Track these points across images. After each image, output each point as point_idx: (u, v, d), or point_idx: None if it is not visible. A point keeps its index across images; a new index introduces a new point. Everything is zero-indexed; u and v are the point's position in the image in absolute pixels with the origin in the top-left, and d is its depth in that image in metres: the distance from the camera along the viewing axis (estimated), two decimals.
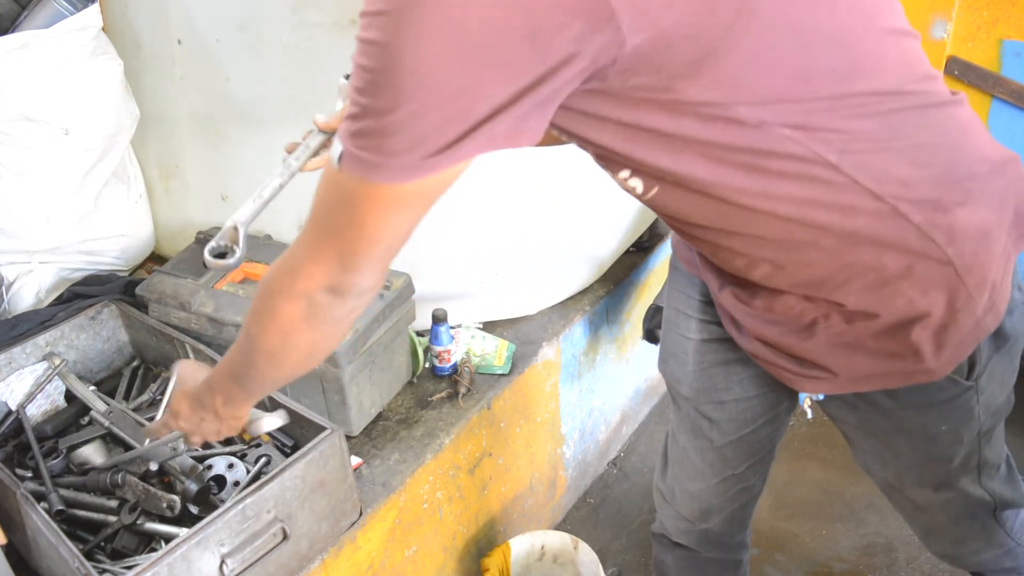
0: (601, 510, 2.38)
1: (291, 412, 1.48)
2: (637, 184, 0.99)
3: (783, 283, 1.07)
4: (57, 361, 1.68)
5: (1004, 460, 1.34)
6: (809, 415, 1.31)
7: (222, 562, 1.28)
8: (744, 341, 1.24)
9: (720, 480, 1.48)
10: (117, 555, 1.43)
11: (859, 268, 1.01)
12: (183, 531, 1.32)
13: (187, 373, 1.30)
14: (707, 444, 1.44)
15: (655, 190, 0.98)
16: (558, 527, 2.30)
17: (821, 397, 1.25)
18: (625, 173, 0.98)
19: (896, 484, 1.36)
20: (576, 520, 2.35)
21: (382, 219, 0.85)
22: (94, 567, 1.32)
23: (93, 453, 1.58)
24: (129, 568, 1.28)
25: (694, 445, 1.47)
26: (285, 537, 1.36)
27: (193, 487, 1.43)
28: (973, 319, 1.08)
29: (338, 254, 0.91)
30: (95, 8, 1.80)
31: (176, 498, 1.42)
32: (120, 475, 1.44)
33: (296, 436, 1.53)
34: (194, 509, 1.45)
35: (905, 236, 0.99)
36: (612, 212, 2.08)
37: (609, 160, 0.98)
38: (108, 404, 1.67)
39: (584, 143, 0.97)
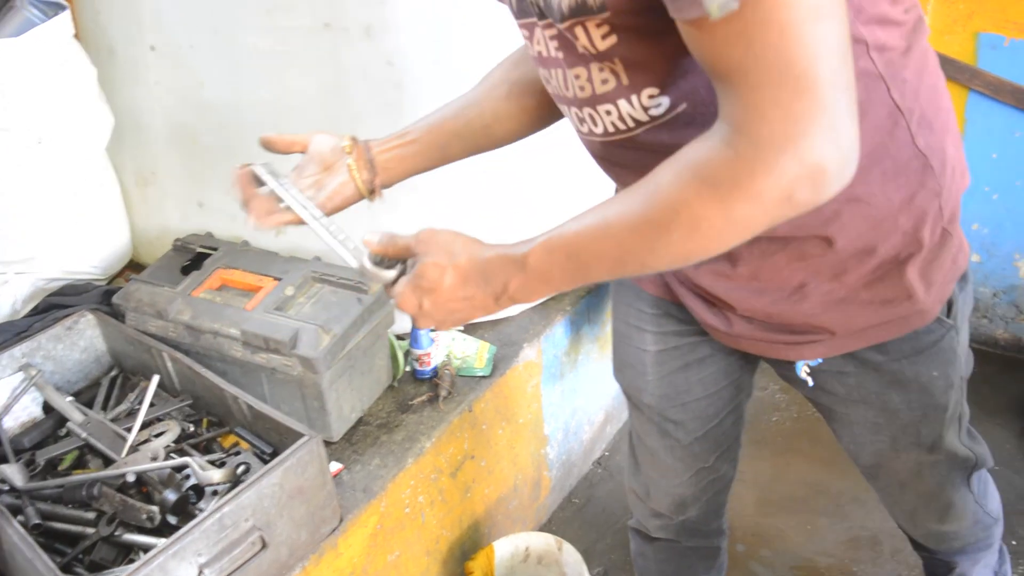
0: (586, 510, 2.38)
1: (268, 419, 1.48)
2: (662, 102, 0.92)
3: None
4: (33, 372, 1.67)
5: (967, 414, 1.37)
6: (810, 383, 1.28)
7: (200, 572, 1.27)
8: (730, 328, 1.22)
9: (692, 474, 1.49)
10: (95, 567, 1.41)
11: (863, 193, 1.01)
12: (161, 542, 1.31)
13: (441, 242, 1.02)
14: (675, 443, 1.45)
15: (681, 108, 0.92)
16: (543, 528, 2.30)
17: (819, 362, 1.23)
18: (653, 90, 0.91)
19: (889, 454, 1.34)
20: (561, 520, 2.35)
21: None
22: None
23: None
24: None
25: (662, 445, 1.47)
26: (264, 545, 1.35)
27: (171, 497, 1.42)
28: (951, 255, 1.12)
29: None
30: (66, 15, 1.79)
31: (155, 509, 1.41)
32: (96, 487, 1.43)
33: (274, 443, 1.52)
34: (173, 520, 1.44)
35: (910, 161, 1.01)
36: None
37: (647, 70, 0.90)
38: (86, 414, 1.65)
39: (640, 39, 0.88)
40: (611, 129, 0.98)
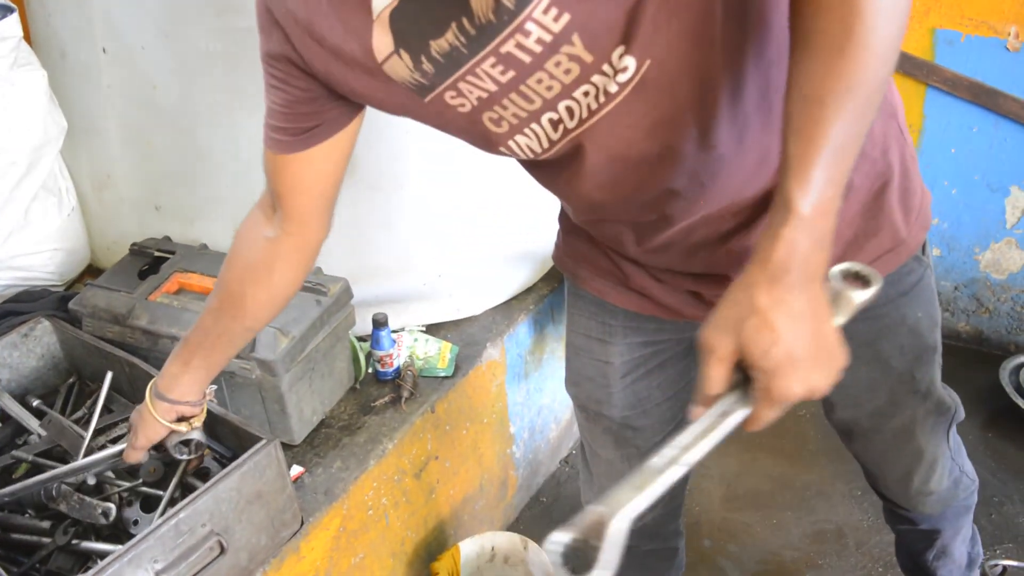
0: (554, 508, 2.38)
1: (227, 423, 1.47)
2: (629, 64, 0.88)
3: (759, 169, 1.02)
4: None
5: None
6: None
7: None
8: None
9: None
10: (53, 574, 1.40)
11: None
12: (117, 548, 1.29)
13: (727, 320, 0.86)
14: (633, 451, 1.44)
15: (646, 66, 0.89)
16: (511, 527, 2.30)
17: None
18: (620, 49, 0.87)
19: (887, 411, 1.34)
20: (529, 519, 2.35)
21: None
22: None
23: None
24: None
25: (619, 455, 1.46)
26: (222, 550, 1.34)
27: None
28: (919, 183, 1.15)
29: None
30: (14, 17, 1.76)
31: (111, 505, 1.39)
32: (55, 485, 1.41)
33: (233, 447, 1.51)
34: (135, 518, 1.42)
35: None
36: (551, 209, 2.07)
37: (607, 32, 0.87)
38: (47, 412, 1.63)
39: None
40: (584, 114, 0.94)
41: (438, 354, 1.90)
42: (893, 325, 1.25)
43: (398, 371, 1.85)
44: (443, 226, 1.89)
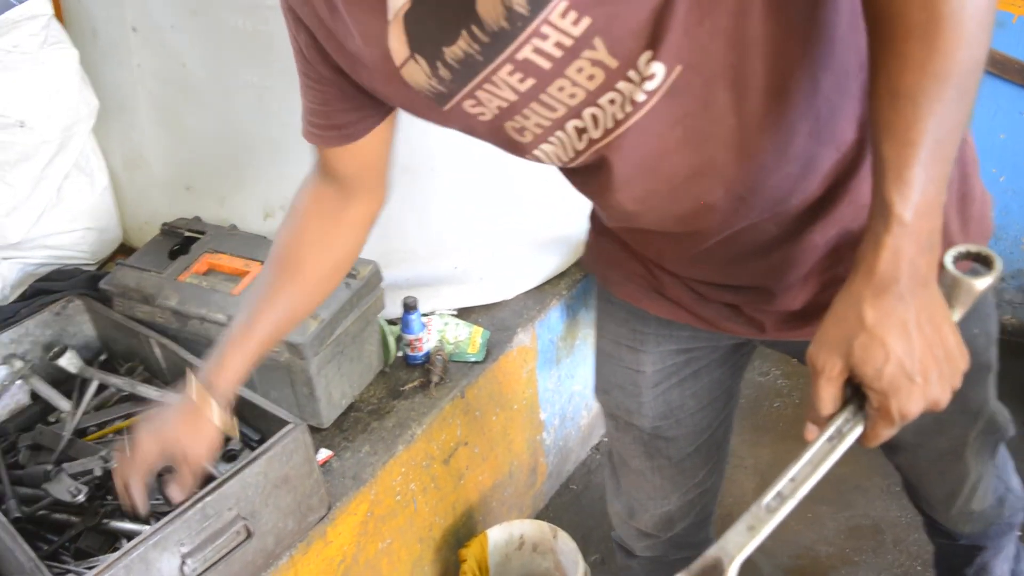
0: (584, 496, 2.35)
1: (255, 406, 1.46)
2: (657, 70, 0.82)
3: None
4: (18, 364, 1.65)
5: None
6: None
7: (183, 562, 1.25)
8: (763, 332, 1.16)
9: (681, 492, 1.43)
10: (82, 555, 1.40)
11: None
12: (144, 530, 1.29)
13: (831, 341, 0.82)
14: (665, 462, 1.39)
15: (676, 72, 0.83)
16: (540, 514, 2.28)
17: None
18: (647, 54, 0.81)
19: (932, 430, 1.26)
20: (559, 507, 2.32)
21: None
22: (57, 568, 1.30)
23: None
24: (90, 568, 1.26)
25: (649, 466, 1.40)
26: (249, 535, 1.33)
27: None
28: (979, 188, 1.07)
29: None
30: None
31: (83, 487, 1.40)
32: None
33: (261, 430, 1.50)
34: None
35: None
36: None
37: (632, 36, 0.81)
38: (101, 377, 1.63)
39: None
40: (610, 124, 0.88)
41: (468, 339, 1.88)
42: None
43: (428, 355, 1.82)
44: (475, 209, 1.86)
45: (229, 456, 1.49)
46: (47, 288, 1.84)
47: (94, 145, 1.99)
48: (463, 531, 1.94)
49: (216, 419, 1.13)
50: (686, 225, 1.00)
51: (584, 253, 1.36)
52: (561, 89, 0.84)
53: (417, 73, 0.87)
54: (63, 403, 1.64)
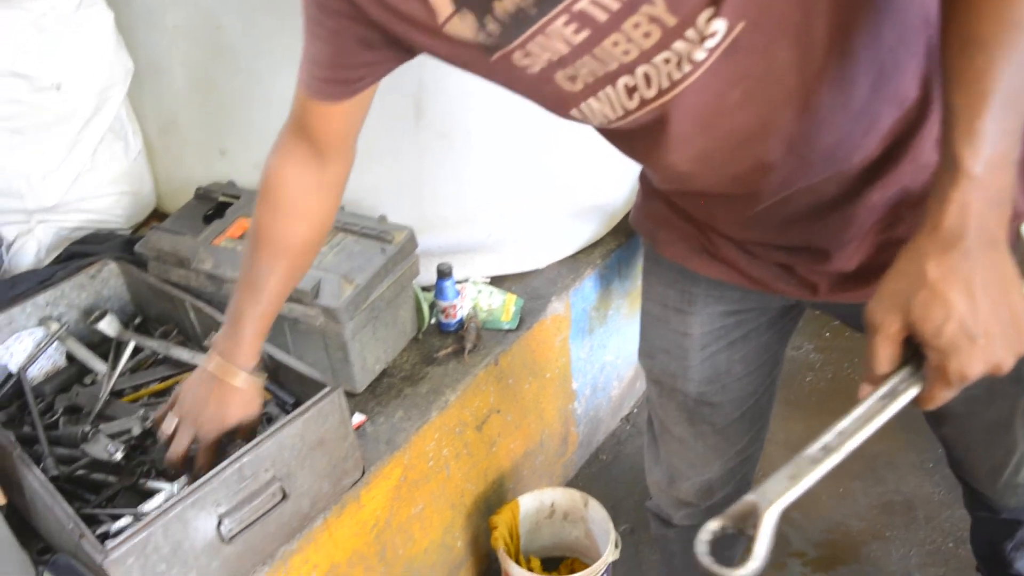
0: (613, 466, 2.35)
1: (290, 370, 1.46)
2: (718, 27, 0.80)
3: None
4: (55, 326, 1.65)
5: None
6: None
7: (219, 522, 1.25)
8: (815, 295, 1.14)
9: (723, 460, 1.42)
10: (119, 515, 1.41)
11: None
12: (180, 490, 1.29)
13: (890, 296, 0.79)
14: (708, 429, 1.38)
15: (739, 28, 0.80)
16: (570, 483, 2.27)
17: None
18: (708, 12, 0.79)
19: (983, 401, 1.22)
20: (588, 476, 2.32)
21: None
22: (92, 527, 1.30)
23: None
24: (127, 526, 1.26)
25: (692, 432, 1.40)
26: (284, 496, 1.33)
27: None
28: None
29: None
30: None
31: (119, 445, 1.41)
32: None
33: (297, 393, 1.50)
34: None
35: None
36: (622, 161, 2.01)
37: None
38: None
39: None
40: (665, 84, 0.86)
41: (502, 306, 1.87)
42: None
43: (461, 322, 1.82)
44: (510, 177, 1.85)
45: (265, 419, 1.49)
46: (82, 251, 1.85)
47: (128, 109, 1.98)
48: (494, 498, 1.94)
49: (241, 383, 1.26)
50: (743, 186, 0.98)
51: (632, 212, 1.35)
52: (615, 44, 0.82)
53: (463, 28, 0.85)
54: (99, 365, 1.65)
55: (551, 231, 1.96)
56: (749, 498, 0.77)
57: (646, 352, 1.40)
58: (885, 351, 0.78)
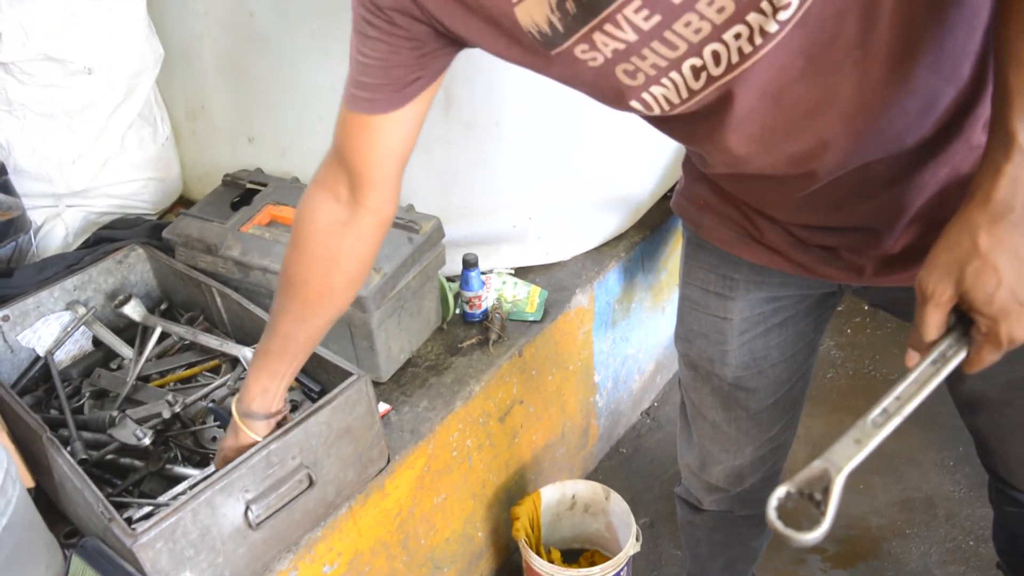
0: (634, 460, 2.35)
1: (317, 358, 1.46)
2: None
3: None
4: (82, 311, 1.66)
5: None
6: None
7: (247, 507, 1.26)
8: (861, 278, 1.15)
9: (755, 446, 1.43)
10: (146, 499, 1.42)
11: None
12: (210, 475, 1.30)
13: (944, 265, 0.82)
14: (742, 414, 1.38)
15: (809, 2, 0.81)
16: (590, 476, 2.28)
17: None
18: None
19: (1022, 383, 1.23)
20: (608, 469, 2.32)
21: None
22: (121, 511, 1.31)
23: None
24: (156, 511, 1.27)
25: (726, 417, 1.40)
26: (311, 483, 1.34)
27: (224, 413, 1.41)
28: None
29: None
30: None
31: (147, 430, 1.41)
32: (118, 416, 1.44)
33: (323, 381, 1.50)
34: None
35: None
36: (648, 154, 2.01)
37: None
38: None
39: None
40: (734, 59, 0.86)
41: (527, 298, 1.87)
42: None
43: (486, 313, 1.82)
44: (537, 169, 1.84)
45: (291, 407, 1.49)
46: (110, 236, 1.85)
47: (158, 95, 1.99)
48: (515, 489, 1.94)
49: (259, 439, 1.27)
50: (798, 166, 0.98)
51: (674, 198, 1.35)
52: (687, 24, 0.83)
53: (536, 8, 0.85)
54: (126, 350, 1.66)
55: (576, 223, 1.96)
56: (817, 464, 0.80)
57: (683, 336, 1.40)
58: (935, 318, 0.82)
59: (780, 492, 0.80)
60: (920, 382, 0.83)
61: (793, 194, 1.05)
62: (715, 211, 1.24)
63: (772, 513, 0.79)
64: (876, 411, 0.82)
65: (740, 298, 1.28)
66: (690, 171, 1.28)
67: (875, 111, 0.91)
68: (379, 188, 1.08)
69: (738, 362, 1.33)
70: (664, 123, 1.03)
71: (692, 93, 0.90)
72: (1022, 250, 0.78)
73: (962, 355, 0.83)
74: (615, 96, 0.94)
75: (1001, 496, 1.51)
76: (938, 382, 0.83)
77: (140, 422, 1.44)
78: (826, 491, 0.79)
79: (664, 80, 0.89)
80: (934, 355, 0.83)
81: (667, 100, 0.92)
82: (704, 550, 1.69)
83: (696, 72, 0.87)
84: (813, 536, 0.76)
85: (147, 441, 1.40)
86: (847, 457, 0.80)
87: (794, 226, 1.15)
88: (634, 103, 0.94)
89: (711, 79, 0.88)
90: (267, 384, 1.24)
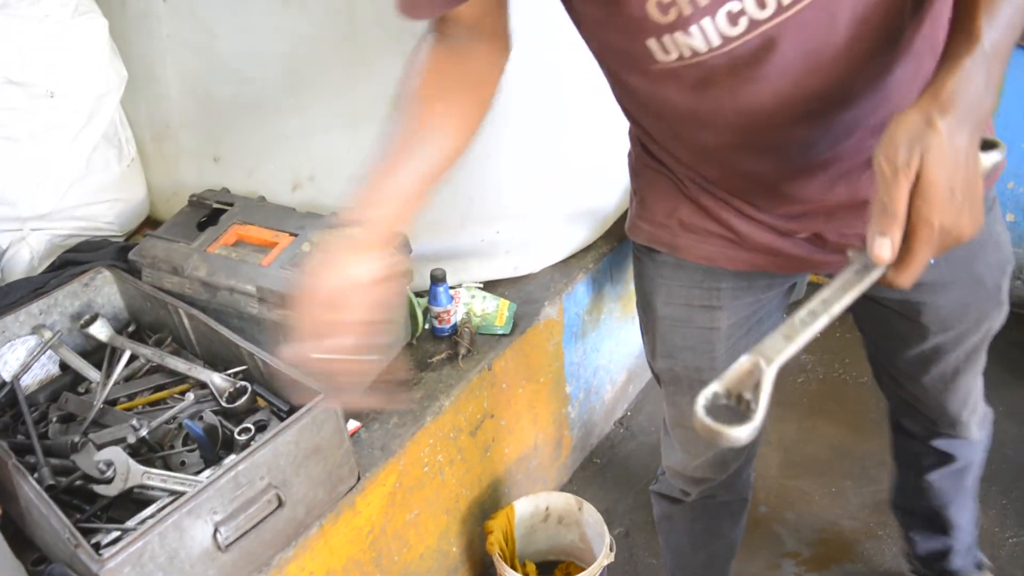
0: (608, 470, 2.36)
1: (285, 376, 1.46)
2: None
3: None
4: (48, 335, 1.65)
5: None
6: None
7: (215, 530, 1.26)
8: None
9: None
10: (114, 522, 1.41)
11: None
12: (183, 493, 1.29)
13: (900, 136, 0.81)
14: None
15: None
16: (564, 488, 2.28)
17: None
18: None
19: (971, 329, 1.33)
20: (582, 480, 2.33)
21: None
22: (89, 537, 1.30)
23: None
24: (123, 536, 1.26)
25: None
26: (280, 504, 1.34)
27: (198, 429, 1.40)
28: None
29: None
30: None
31: (109, 460, 1.37)
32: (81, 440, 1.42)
33: (292, 401, 1.50)
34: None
35: None
36: (614, 166, 2.02)
37: None
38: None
39: None
40: (787, 1, 0.89)
41: (496, 311, 1.88)
42: (983, 242, 1.22)
43: (455, 328, 1.82)
44: (503, 182, 1.85)
45: (260, 427, 1.49)
46: (76, 259, 1.84)
47: (122, 116, 1.98)
48: (489, 503, 1.94)
49: (373, 260, 0.92)
50: (816, 125, 1.00)
51: (632, 224, 1.34)
52: None
53: None
54: (93, 373, 1.65)
55: (544, 236, 1.97)
56: (745, 358, 0.79)
57: (665, 354, 1.40)
58: (904, 189, 0.79)
59: (708, 391, 0.78)
60: (845, 287, 0.82)
61: (799, 166, 1.07)
62: (692, 229, 1.24)
63: (700, 411, 0.77)
64: (803, 312, 0.81)
65: (727, 306, 1.30)
66: (653, 191, 1.28)
67: (892, 66, 0.95)
68: (486, 31, 1.04)
69: (725, 366, 1.35)
70: (669, 78, 1.00)
71: (725, 41, 0.91)
72: (962, 148, 0.78)
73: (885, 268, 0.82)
74: (634, 31, 0.94)
75: (933, 454, 1.61)
76: (864, 285, 0.82)
77: (104, 447, 1.43)
78: (757, 387, 0.77)
79: (692, 28, 0.91)
80: (858, 266, 0.83)
81: (689, 48, 0.93)
82: (685, 543, 1.72)
83: (733, 18, 0.89)
84: (743, 430, 0.74)
85: (111, 474, 1.38)
86: (777, 351, 0.79)
87: (782, 217, 1.16)
88: (651, 43, 0.94)
89: (753, 23, 0.89)
90: (377, 179, 0.98)
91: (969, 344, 1.36)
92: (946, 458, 1.59)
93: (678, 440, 1.50)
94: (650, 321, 1.39)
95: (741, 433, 0.74)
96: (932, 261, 0.81)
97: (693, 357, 1.36)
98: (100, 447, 1.43)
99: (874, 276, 0.82)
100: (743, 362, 0.79)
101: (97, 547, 1.27)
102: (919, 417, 1.54)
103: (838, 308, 0.82)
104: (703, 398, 0.78)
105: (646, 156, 1.26)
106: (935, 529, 1.74)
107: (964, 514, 1.70)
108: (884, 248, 0.79)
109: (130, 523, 1.34)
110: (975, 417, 1.50)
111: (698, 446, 1.47)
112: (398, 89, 1.00)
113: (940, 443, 1.56)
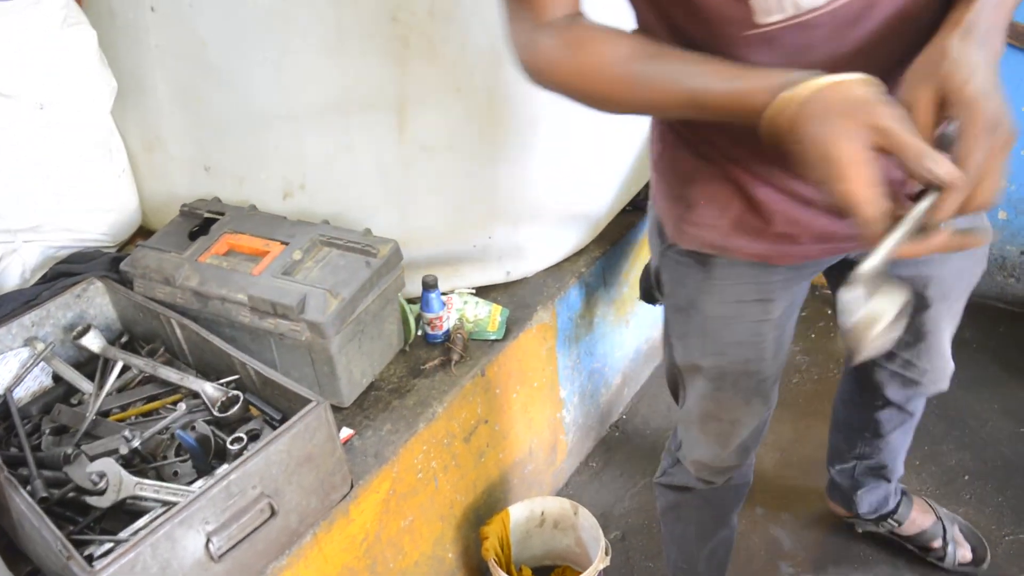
0: (604, 474, 2.36)
1: (276, 385, 1.46)
2: None
3: None
4: (40, 347, 1.65)
5: None
6: None
7: (208, 540, 1.26)
8: None
9: (760, 421, 1.51)
10: (107, 534, 1.41)
11: None
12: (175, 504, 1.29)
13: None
14: (758, 400, 1.45)
15: None
16: (560, 492, 2.28)
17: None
18: None
19: (965, 290, 1.44)
20: (578, 484, 2.33)
21: None
22: (81, 549, 1.30)
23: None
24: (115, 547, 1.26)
25: (747, 411, 1.46)
26: (273, 513, 1.34)
27: (191, 439, 1.40)
28: None
29: None
30: None
31: (103, 471, 1.37)
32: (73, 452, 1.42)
33: (283, 409, 1.50)
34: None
35: None
36: (606, 169, 2.03)
37: None
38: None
39: None
40: None
41: (488, 317, 1.88)
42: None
43: (448, 334, 1.82)
44: (494, 187, 1.86)
45: (252, 436, 1.49)
46: (68, 271, 1.84)
47: (112, 127, 1.98)
48: (484, 509, 1.94)
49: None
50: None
51: (679, 236, 1.31)
52: None
53: None
54: (85, 384, 1.65)
55: (536, 241, 1.97)
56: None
57: (715, 352, 1.40)
58: (926, 119, 0.85)
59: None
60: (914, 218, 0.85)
61: None
62: (746, 229, 1.22)
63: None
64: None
65: (778, 296, 1.33)
66: (701, 192, 1.24)
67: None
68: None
69: (771, 354, 1.40)
70: (762, 42, 0.99)
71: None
72: (985, 60, 0.84)
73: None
74: None
75: (896, 412, 1.72)
76: (925, 206, 0.84)
77: (96, 458, 1.43)
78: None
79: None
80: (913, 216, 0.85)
81: (796, 4, 0.94)
82: (692, 533, 1.75)
83: None
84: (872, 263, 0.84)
85: (103, 485, 1.38)
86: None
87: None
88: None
89: None
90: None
91: (959, 306, 1.47)
92: (909, 415, 1.69)
93: (711, 433, 1.52)
94: (695, 323, 1.39)
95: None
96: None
97: (743, 350, 1.38)
98: (93, 458, 1.43)
99: (929, 200, 0.85)
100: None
101: (90, 559, 1.27)
102: (906, 382, 1.60)
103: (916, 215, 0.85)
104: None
105: (690, 155, 1.23)
106: (879, 479, 1.88)
107: (903, 454, 1.86)
108: (942, 165, 0.81)
109: (123, 534, 1.34)
110: (948, 366, 1.57)
111: (731, 435, 1.50)
112: (607, 71, 1.01)
113: (915, 403, 1.67)
